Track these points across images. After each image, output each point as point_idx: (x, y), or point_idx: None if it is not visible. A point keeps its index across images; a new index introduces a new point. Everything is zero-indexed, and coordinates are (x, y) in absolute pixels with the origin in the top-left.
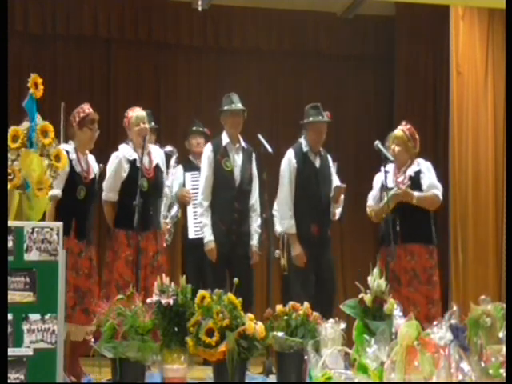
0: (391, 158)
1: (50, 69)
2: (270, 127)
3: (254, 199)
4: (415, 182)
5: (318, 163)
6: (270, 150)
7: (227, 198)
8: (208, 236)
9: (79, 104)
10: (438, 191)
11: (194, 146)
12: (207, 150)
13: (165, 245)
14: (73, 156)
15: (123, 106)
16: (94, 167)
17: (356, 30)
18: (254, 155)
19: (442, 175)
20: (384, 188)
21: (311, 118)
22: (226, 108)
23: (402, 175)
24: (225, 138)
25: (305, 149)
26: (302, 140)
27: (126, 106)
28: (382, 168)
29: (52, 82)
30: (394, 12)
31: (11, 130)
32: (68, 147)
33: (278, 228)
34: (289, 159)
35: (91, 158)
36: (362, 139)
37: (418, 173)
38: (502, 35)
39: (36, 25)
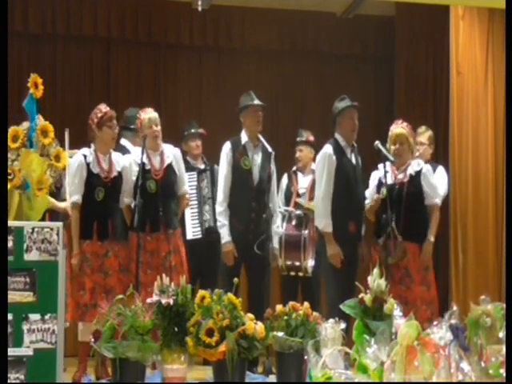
0: (391, 158)
1: (49, 69)
2: (269, 127)
3: (274, 200)
4: (416, 181)
5: (353, 158)
6: (269, 150)
7: (245, 197)
8: (226, 237)
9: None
10: (438, 199)
11: (194, 149)
12: (225, 149)
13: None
14: (90, 159)
15: (123, 106)
16: (118, 165)
17: (356, 29)
18: (273, 156)
19: None
20: (383, 184)
21: (344, 108)
22: (245, 104)
23: (402, 173)
24: (244, 137)
25: (342, 143)
26: (337, 135)
27: (125, 106)
28: (382, 166)
29: (52, 82)
30: (394, 12)
31: (11, 130)
32: (85, 151)
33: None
34: (328, 155)
35: (116, 155)
36: (361, 139)
37: (419, 173)
38: (502, 35)
39: (36, 25)
